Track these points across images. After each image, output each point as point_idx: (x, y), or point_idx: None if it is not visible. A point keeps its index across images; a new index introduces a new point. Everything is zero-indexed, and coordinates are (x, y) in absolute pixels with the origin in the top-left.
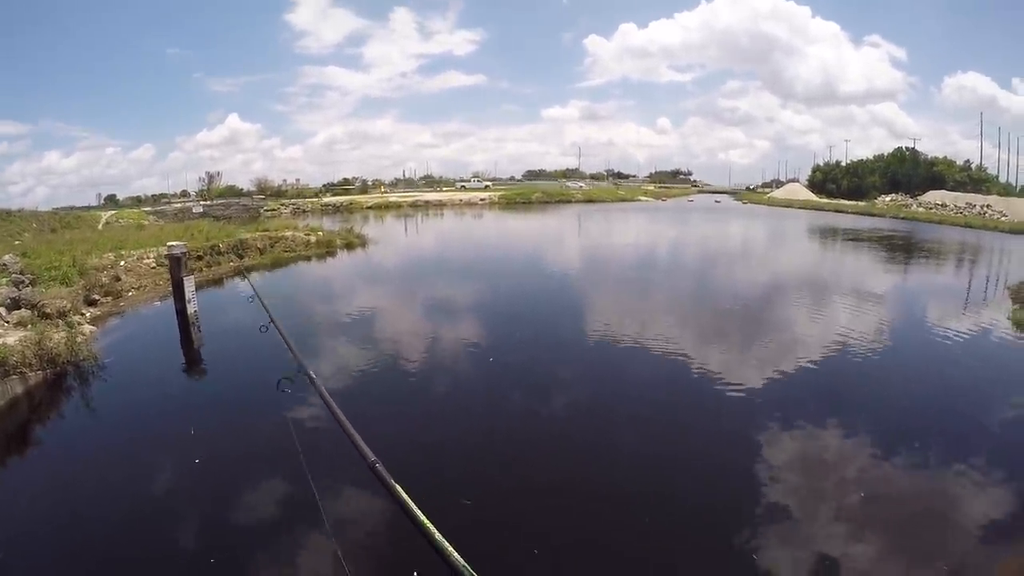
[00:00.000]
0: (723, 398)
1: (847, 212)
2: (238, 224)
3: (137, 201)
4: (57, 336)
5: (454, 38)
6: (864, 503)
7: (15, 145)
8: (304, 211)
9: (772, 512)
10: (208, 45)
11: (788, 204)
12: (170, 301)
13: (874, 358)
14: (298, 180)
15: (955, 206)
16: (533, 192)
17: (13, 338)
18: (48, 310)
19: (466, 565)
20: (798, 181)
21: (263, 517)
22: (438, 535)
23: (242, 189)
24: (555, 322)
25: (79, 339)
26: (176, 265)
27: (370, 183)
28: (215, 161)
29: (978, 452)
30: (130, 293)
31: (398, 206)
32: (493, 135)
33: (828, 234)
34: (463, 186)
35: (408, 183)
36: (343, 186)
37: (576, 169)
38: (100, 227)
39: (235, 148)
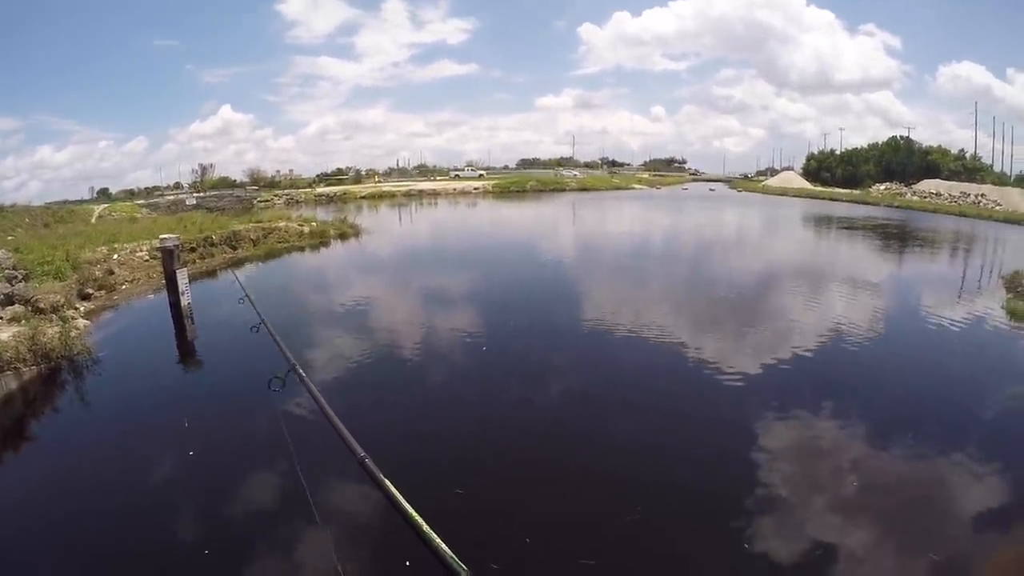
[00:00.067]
0: (719, 386)
1: (841, 200)
2: (231, 215)
3: (130, 194)
4: (51, 331)
5: (446, 27)
6: (860, 491)
7: (7, 140)
8: (298, 202)
9: (769, 499)
10: (199, 36)
11: (783, 192)
12: (164, 294)
13: (869, 346)
14: (291, 171)
15: (950, 195)
16: (527, 181)
17: (7, 334)
18: (42, 305)
19: (454, 557)
20: (793, 169)
21: (255, 510)
22: (426, 527)
23: (235, 180)
24: (549, 310)
25: (73, 333)
26: (169, 258)
27: (363, 173)
28: (208, 152)
29: (974, 441)
30: (124, 286)
31: (392, 196)
32: (486, 124)
33: (823, 222)
34: (457, 175)
35: (402, 172)
36: (336, 176)
37: (570, 158)
38: (93, 221)
39: (228, 139)
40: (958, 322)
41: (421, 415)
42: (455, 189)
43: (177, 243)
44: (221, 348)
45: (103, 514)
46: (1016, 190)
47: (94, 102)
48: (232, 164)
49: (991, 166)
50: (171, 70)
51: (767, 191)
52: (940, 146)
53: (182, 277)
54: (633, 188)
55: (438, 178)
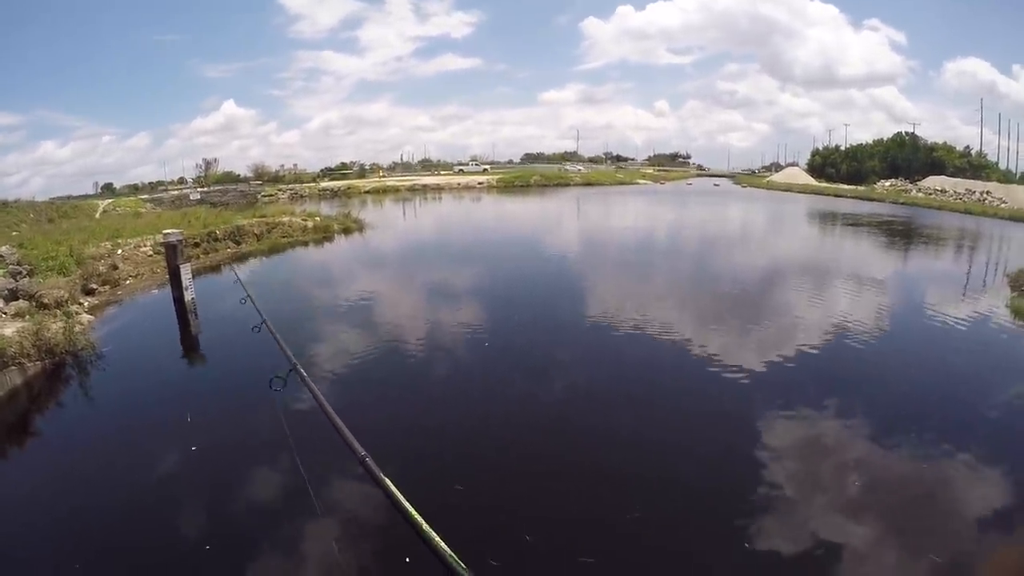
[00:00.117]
0: (722, 382)
1: (846, 197)
2: (235, 210)
3: (134, 189)
4: (55, 326)
5: (451, 20)
6: (863, 489)
7: (10, 136)
8: (302, 196)
9: (772, 497)
10: (201, 31)
11: (787, 188)
12: (168, 289)
13: (874, 344)
14: (295, 165)
15: (955, 192)
16: (531, 175)
17: (11, 329)
18: (46, 300)
19: (454, 556)
20: (797, 165)
21: (257, 507)
22: (425, 525)
23: (239, 175)
24: (553, 305)
25: (77, 329)
26: (172, 253)
27: (368, 167)
28: (212, 148)
29: (978, 439)
30: (128, 281)
31: (396, 190)
32: (490, 118)
33: (827, 219)
34: (461, 170)
35: (406, 167)
36: (341, 171)
37: (574, 152)
38: (97, 216)
39: (231, 134)
40: (963, 320)
41: (424, 410)
42: (459, 184)
43: (180, 238)
44: (225, 344)
45: (107, 508)
46: (1021, 187)
47: (97, 97)
48: (236, 159)
49: (996, 163)
50: (173, 65)
51: (771, 187)
52: (945, 143)
53: (186, 272)
54: (637, 183)
55: (442, 173)
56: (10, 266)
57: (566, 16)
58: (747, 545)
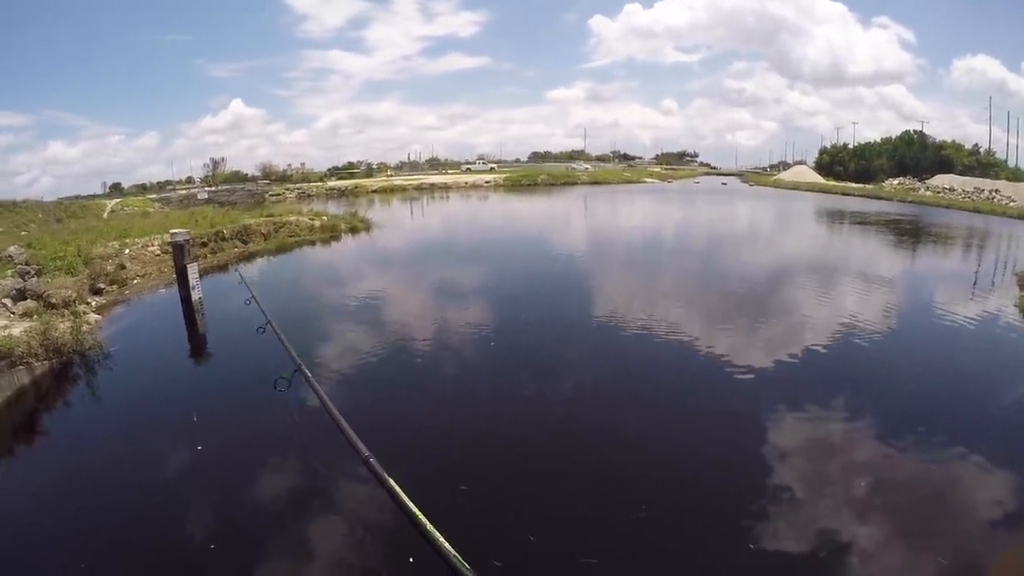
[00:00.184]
0: (730, 382)
1: (854, 195)
2: (243, 210)
3: (142, 189)
4: (63, 326)
5: (457, 19)
6: (871, 489)
7: (19, 136)
8: (309, 196)
9: (778, 497)
10: (208, 31)
11: (795, 186)
12: (175, 288)
13: (882, 342)
14: (303, 164)
15: (963, 191)
16: (538, 174)
17: (19, 329)
18: (53, 300)
19: (457, 555)
20: (805, 163)
21: (261, 506)
22: (429, 525)
23: (247, 174)
24: (560, 304)
25: (84, 328)
26: (179, 252)
27: (375, 166)
28: (219, 147)
29: (987, 438)
30: (135, 281)
31: (403, 189)
32: (498, 117)
33: (835, 217)
34: (468, 168)
35: (413, 166)
36: (348, 170)
37: (582, 151)
38: (105, 216)
39: (239, 134)
40: (971, 319)
41: (430, 410)
42: (466, 183)
43: (188, 238)
44: (231, 343)
45: (113, 508)
46: None
47: (105, 97)
48: (244, 158)
49: (1005, 161)
50: (181, 65)
51: (779, 185)
52: (954, 141)
53: (193, 272)
54: (645, 182)
55: (449, 172)
56: (18, 266)
57: (573, 14)
58: (753, 546)
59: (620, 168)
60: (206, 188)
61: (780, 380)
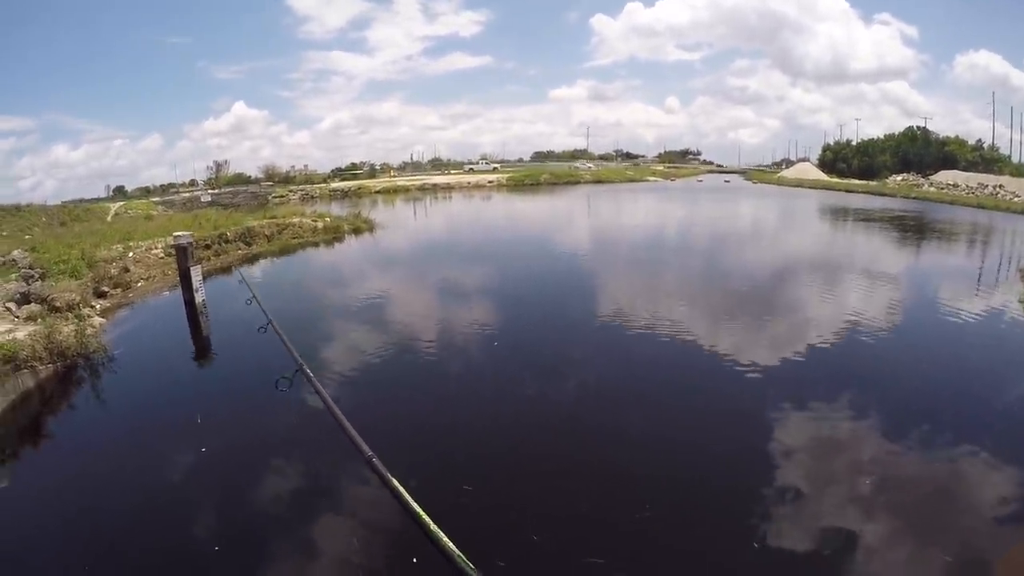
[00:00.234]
0: (733, 380)
1: (858, 192)
2: (246, 211)
3: (146, 191)
4: (67, 329)
5: (459, 19)
6: (876, 486)
7: (22, 139)
8: (312, 197)
9: (782, 496)
10: (210, 33)
11: (798, 184)
12: (179, 291)
13: (886, 339)
14: (306, 166)
15: (967, 186)
16: (541, 174)
17: (23, 332)
18: (58, 303)
19: (461, 555)
20: (808, 160)
21: (265, 508)
22: (433, 525)
23: (250, 176)
24: (563, 304)
25: (88, 331)
26: (183, 255)
27: (378, 167)
28: (223, 149)
29: (992, 435)
30: (139, 284)
31: (406, 190)
32: (500, 116)
33: (839, 214)
34: (471, 168)
35: (416, 166)
36: (351, 171)
37: (585, 150)
38: (109, 219)
39: (242, 135)
40: (976, 315)
41: (433, 410)
42: (469, 183)
43: (191, 240)
44: (235, 345)
45: (118, 510)
46: None
47: (108, 100)
48: (247, 160)
49: (1009, 157)
50: (183, 67)
51: (783, 183)
52: (957, 137)
53: (196, 274)
54: (647, 180)
55: (452, 172)
56: (22, 270)
57: (574, 13)
58: (757, 544)
59: (623, 167)
60: (209, 190)
61: (784, 378)
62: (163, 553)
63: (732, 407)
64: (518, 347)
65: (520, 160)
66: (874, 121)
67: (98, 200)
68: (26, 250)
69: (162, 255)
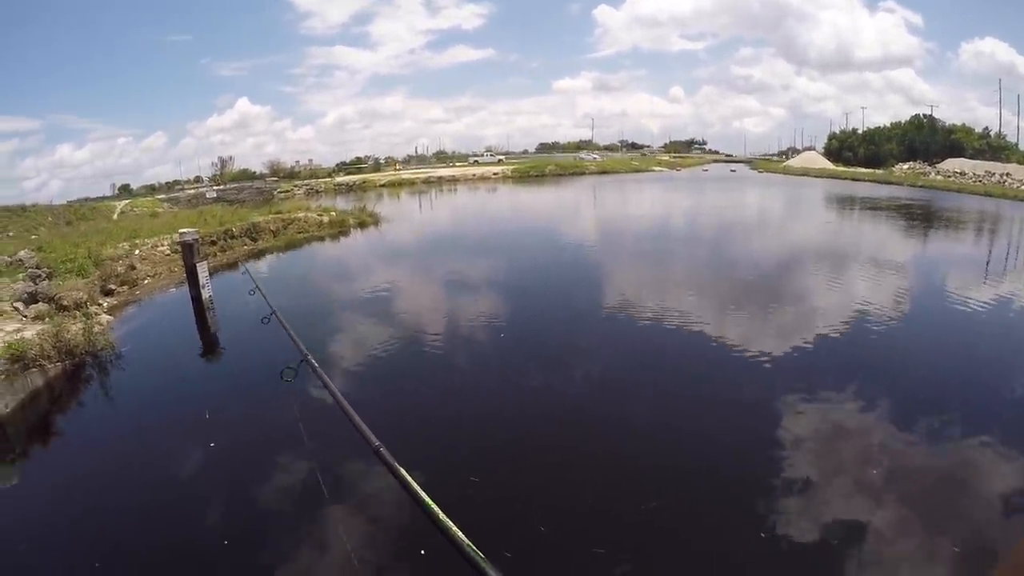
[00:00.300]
0: (742, 369)
1: (864, 180)
2: (251, 207)
3: (151, 189)
4: (74, 327)
5: (461, 12)
6: (884, 476)
7: (27, 140)
8: (317, 191)
9: (791, 485)
10: (212, 30)
11: (804, 173)
12: (185, 287)
13: (894, 328)
14: (311, 161)
15: (974, 174)
16: (546, 165)
17: (31, 331)
18: (65, 302)
19: (471, 544)
20: (814, 149)
21: (273, 501)
22: (442, 515)
23: (255, 172)
24: (569, 295)
25: (96, 329)
26: (189, 252)
27: (383, 161)
28: (227, 146)
29: (1001, 424)
30: (146, 281)
31: (411, 183)
32: (504, 109)
33: (846, 203)
34: (476, 161)
35: (421, 159)
36: (356, 165)
37: (590, 141)
38: (115, 217)
39: (246, 132)
40: (984, 304)
41: (439, 402)
42: (474, 175)
43: (196, 237)
44: (242, 340)
45: (126, 508)
46: None
47: (111, 99)
48: (252, 156)
49: (1016, 144)
50: (186, 65)
51: (788, 172)
52: (964, 124)
53: (202, 270)
54: (653, 170)
55: (457, 164)
56: (29, 270)
57: (577, 4)
58: (764, 535)
59: (628, 157)
60: (214, 187)
61: (791, 367)
62: (172, 549)
63: (739, 397)
64: (524, 338)
65: (525, 152)
66: (880, 109)
67: (104, 199)
68: (33, 250)
69: (168, 252)
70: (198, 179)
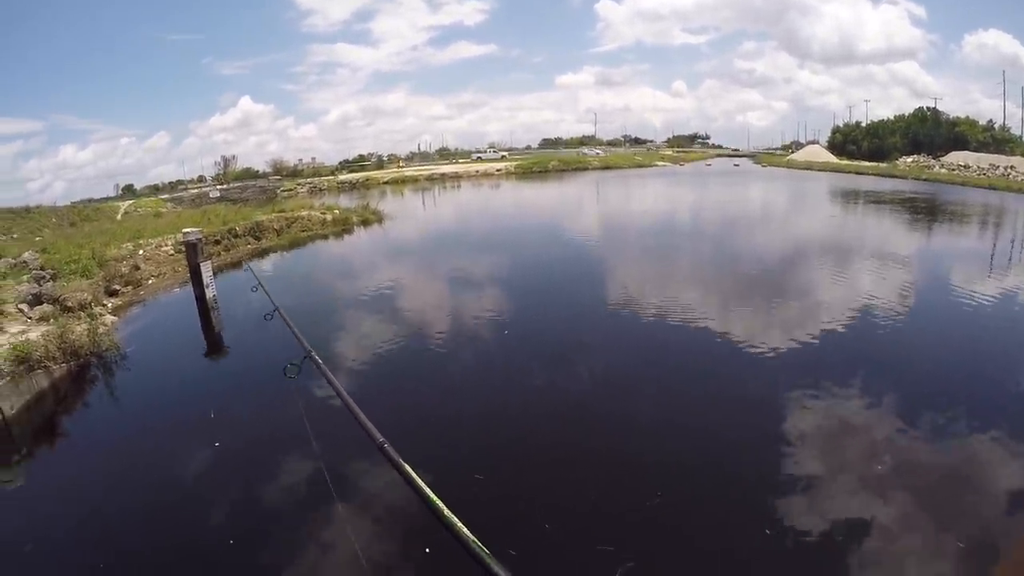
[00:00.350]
0: (747, 364)
1: (868, 174)
2: (255, 206)
3: (154, 189)
4: (79, 328)
5: (463, 8)
6: (889, 471)
7: (30, 142)
8: (321, 190)
9: (795, 481)
10: (214, 29)
11: (808, 166)
12: (189, 287)
13: (899, 322)
14: (313, 159)
15: (978, 167)
16: (549, 160)
17: (36, 333)
18: (70, 303)
19: (476, 540)
20: (818, 143)
21: (277, 499)
22: (447, 511)
23: (258, 171)
24: (572, 291)
25: (101, 330)
26: (192, 251)
27: (386, 158)
28: (230, 145)
29: (1006, 417)
30: (150, 281)
31: (414, 180)
32: (507, 104)
33: (850, 197)
34: (479, 157)
35: (424, 156)
36: (359, 162)
37: (592, 136)
38: (119, 217)
39: (249, 130)
40: (989, 297)
41: (442, 400)
42: (477, 171)
43: (200, 236)
44: (246, 339)
45: (131, 508)
46: None
47: (113, 100)
48: (254, 155)
49: (1020, 137)
50: (188, 64)
51: (792, 165)
52: (968, 117)
53: (206, 270)
54: (656, 165)
55: (460, 161)
56: (34, 271)
57: None
58: (769, 531)
59: (632, 152)
60: (218, 186)
61: (796, 362)
62: (177, 549)
63: (744, 392)
64: (527, 335)
65: (528, 147)
66: (883, 102)
67: (107, 199)
68: (37, 252)
69: (172, 252)
70: (201, 179)
